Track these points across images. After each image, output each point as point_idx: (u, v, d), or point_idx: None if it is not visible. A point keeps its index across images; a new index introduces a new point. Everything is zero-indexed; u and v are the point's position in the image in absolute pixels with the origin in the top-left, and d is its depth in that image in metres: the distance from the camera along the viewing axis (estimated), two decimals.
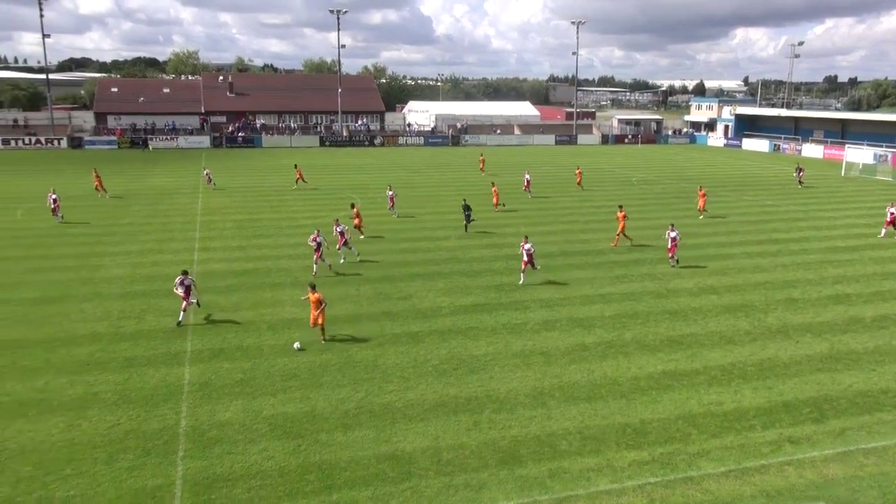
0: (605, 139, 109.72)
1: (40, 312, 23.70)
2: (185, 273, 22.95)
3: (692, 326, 23.21)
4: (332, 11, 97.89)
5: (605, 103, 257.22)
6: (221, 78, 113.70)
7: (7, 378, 18.44)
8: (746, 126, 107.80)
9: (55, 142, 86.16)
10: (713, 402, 17.59)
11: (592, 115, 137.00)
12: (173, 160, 74.03)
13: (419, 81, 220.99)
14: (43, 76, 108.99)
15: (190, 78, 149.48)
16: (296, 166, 55.69)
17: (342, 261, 30.46)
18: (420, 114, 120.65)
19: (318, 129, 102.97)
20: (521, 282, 27.67)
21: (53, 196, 39.49)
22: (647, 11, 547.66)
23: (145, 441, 15.37)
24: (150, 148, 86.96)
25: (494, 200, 44.18)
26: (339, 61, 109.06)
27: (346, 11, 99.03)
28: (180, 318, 22.69)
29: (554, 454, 15.04)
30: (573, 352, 20.81)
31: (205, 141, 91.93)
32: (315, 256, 28.44)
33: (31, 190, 50.23)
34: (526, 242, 27.75)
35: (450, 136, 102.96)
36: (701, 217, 42.43)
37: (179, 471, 14.24)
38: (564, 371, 19.40)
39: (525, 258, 27.57)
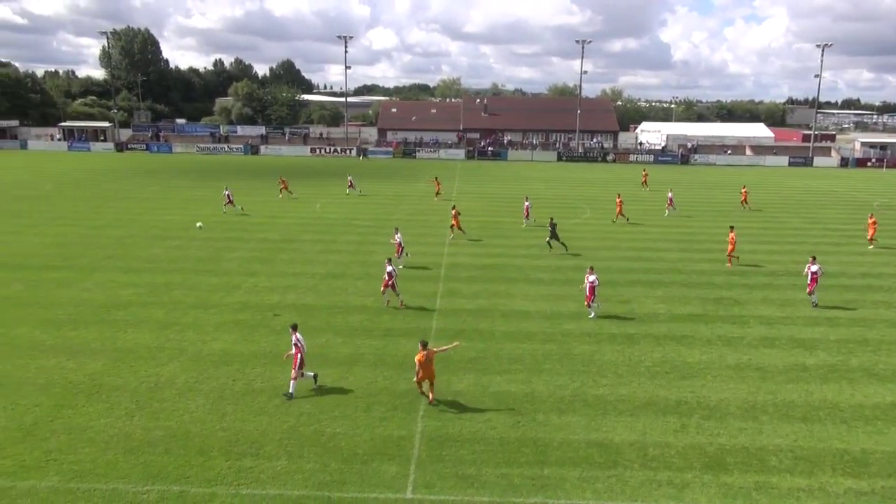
0: (844, 162, 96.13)
1: (326, 285, 26.53)
2: (294, 328, 16.99)
3: None
4: (577, 42, 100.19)
5: (846, 126, 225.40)
6: (478, 100, 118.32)
7: None
8: None
9: (347, 151, 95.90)
10: None
11: (832, 138, 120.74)
12: (434, 169, 78.65)
13: (653, 104, 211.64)
14: (342, 99, 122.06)
15: (453, 100, 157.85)
16: (436, 178, 54.40)
17: (401, 266, 28.08)
18: (652, 133, 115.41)
19: (557, 145, 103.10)
20: (591, 316, 22.86)
21: (227, 192, 43.74)
22: None
23: (394, 398, 16.54)
24: (369, 157, 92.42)
25: (617, 210, 42.26)
26: (580, 86, 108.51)
27: (590, 41, 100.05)
28: (290, 390, 16.45)
29: (762, 468, 13.60)
30: (791, 371, 18.60)
31: (460, 154, 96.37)
32: (384, 288, 23.61)
33: (326, 189, 56.49)
34: (591, 274, 22.88)
35: (679, 154, 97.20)
36: (871, 247, 35.48)
37: (419, 427, 15.11)
38: (780, 389, 17.42)
39: (587, 291, 22.88)
